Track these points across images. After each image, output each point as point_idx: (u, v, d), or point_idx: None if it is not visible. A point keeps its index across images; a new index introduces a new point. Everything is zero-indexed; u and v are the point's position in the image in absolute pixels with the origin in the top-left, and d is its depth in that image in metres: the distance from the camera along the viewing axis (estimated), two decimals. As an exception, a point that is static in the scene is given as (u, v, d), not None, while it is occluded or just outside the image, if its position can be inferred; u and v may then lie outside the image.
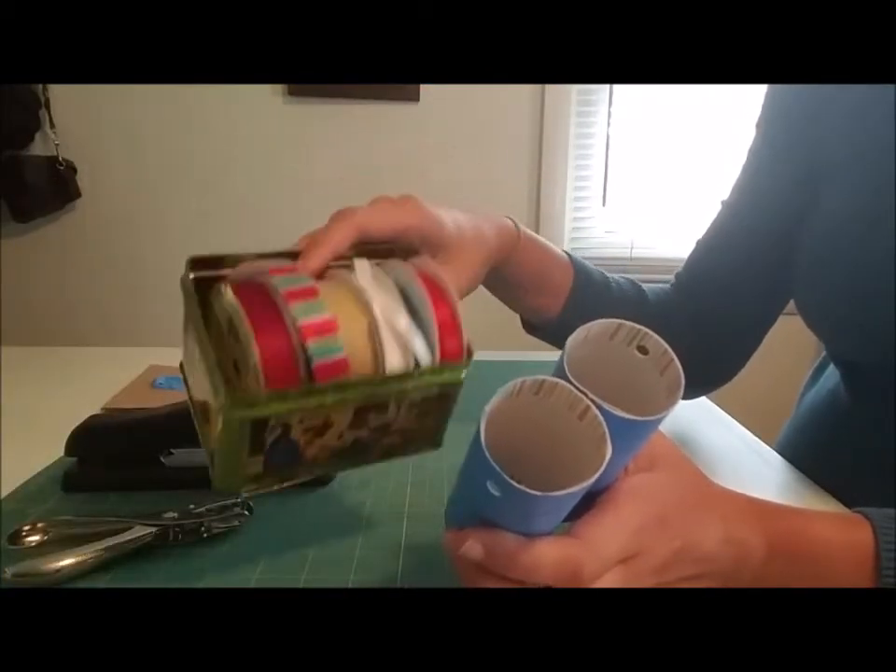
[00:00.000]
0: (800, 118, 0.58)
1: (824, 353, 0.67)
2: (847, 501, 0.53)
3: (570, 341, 0.32)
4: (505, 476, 0.27)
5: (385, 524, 0.49)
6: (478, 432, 0.29)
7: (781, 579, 0.36)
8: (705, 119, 1.84)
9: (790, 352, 1.72)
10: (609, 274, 0.64)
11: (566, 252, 0.62)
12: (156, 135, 1.78)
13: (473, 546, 0.31)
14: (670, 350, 0.32)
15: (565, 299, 0.61)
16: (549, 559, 0.30)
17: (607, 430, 0.29)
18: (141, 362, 0.81)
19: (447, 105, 1.79)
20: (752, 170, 0.63)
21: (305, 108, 1.78)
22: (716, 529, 0.34)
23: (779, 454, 0.64)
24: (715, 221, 0.65)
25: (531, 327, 0.65)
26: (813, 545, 0.36)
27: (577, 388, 0.30)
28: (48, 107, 1.70)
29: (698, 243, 0.66)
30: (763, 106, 0.63)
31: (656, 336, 0.32)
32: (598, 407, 0.30)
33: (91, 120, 1.76)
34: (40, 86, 1.69)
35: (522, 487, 0.27)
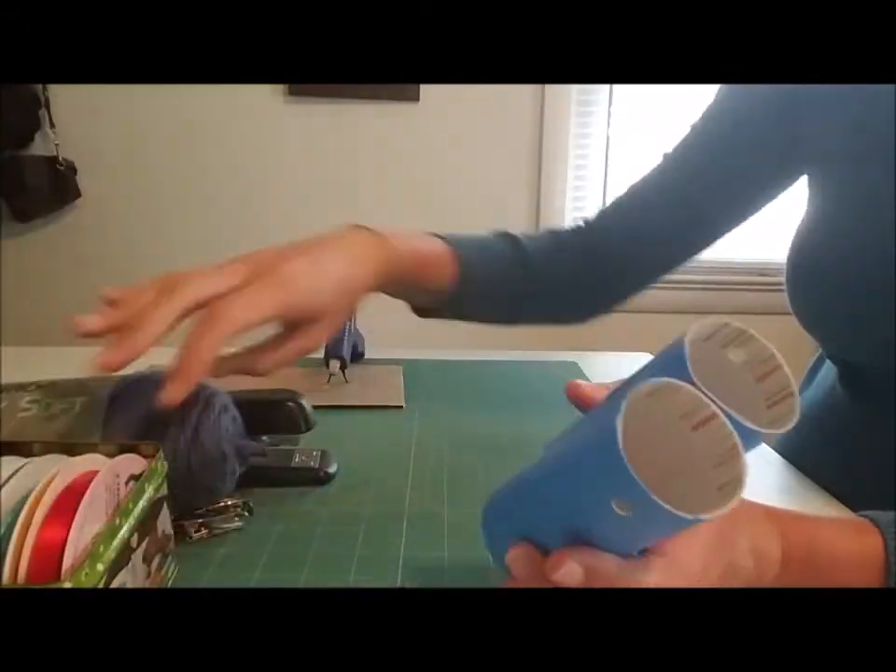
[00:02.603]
0: (777, 95, 0.58)
1: (820, 351, 0.67)
2: (845, 498, 0.53)
3: (690, 341, 0.28)
4: (653, 496, 0.23)
5: (385, 524, 0.49)
6: (606, 439, 0.24)
7: (793, 586, 0.36)
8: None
9: (787, 352, 1.72)
10: (478, 235, 0.66)
11: (434, 234, 0.63)
12: (156, 135, 1.78)
13: (574, 570, 0.29)
14: (777, 354, 0.30)
15: (450, 275, 0.61)
16: (649, 584, 0.29)
17: (739, 442, 0.25)
18: (141, 362, 0.81)
19: (447, 105, 1.79)
20: (704, 130, 0.64)
21: (305, 108, 1.78)
22: (745, 541, 0.34)
23: (778, 452, 0.64)
24: (655, 169, 0.67)
25: (422, 310, 0.66)
26: (824, 552, 0.36)
27: (704, 394, 0.26)
28: (48, 107, 1.70)
29: (628, 189, 0.68)
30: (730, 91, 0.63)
31: (761, 340, 0.30)
32: (728, 416, 0.26)
33: (91, 120, 1.76)
34: (40, 86, 1.69)
35: (672, 509, 0.23)
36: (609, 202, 0.70)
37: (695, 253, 0.67)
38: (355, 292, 0.50)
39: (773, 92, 0.59)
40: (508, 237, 0.67)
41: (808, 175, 0.60)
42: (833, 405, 0.61)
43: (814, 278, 0.55)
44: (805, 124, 0.57)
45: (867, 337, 0.51)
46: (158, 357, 0.83)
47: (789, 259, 0.58)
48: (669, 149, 0.66)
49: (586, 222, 0.70)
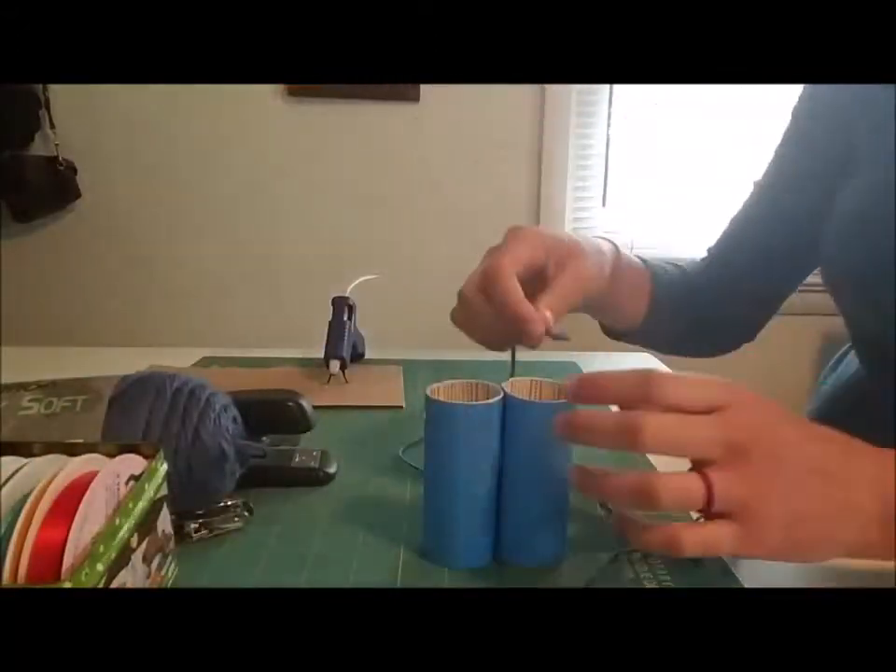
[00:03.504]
0: (830, 104, 0.61)
1: (847, 345, 0.69)
2: None
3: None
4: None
5: (385, 524, 0.49)
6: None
7: None
8: (705, 119, 1.84)
9: (790, 352, 1.72)
10: (661, 265, 0.68)
11: (638, 257, 0.65)
12: (156, 136, 1.78)
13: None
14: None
15: (647, 305, 0.64)
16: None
17: None
18: (141, 362, 0.81)
19: (447, 105, 1.79)
20: (784, 154, 0.66)
21: (305, 108, 1.78)
22: (866, 481, 0.36)
23: None
24: (747, 201, 0.69)
25: (614, 332, 0.69)
26: None
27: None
28: (48, 107, 1.70)
29: (731, 220, 0.70)
30: (800, 96, 0.65)
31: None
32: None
33: (91, 120, 1.76)
34: (40, 86, 1.69)
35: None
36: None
37: (809, 270, 0.68)
38: (598, 253, 0.54)
39: (828, 104, 0.61)
40: (677, 267, 0.70)
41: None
42: (859, 391, 0.63)
43: (845, 255, 0.56)
44: (855, 125, 0.59)
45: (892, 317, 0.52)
46: (158, 357, 0.84)
47: (836, 239, 0.59)
48: (758, 177, 0.69)
49: (709, 251, 0.72)
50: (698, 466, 0.34)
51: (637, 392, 0.34)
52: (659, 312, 0.65)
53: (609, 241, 0.59)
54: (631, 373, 0.35)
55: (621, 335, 0.69)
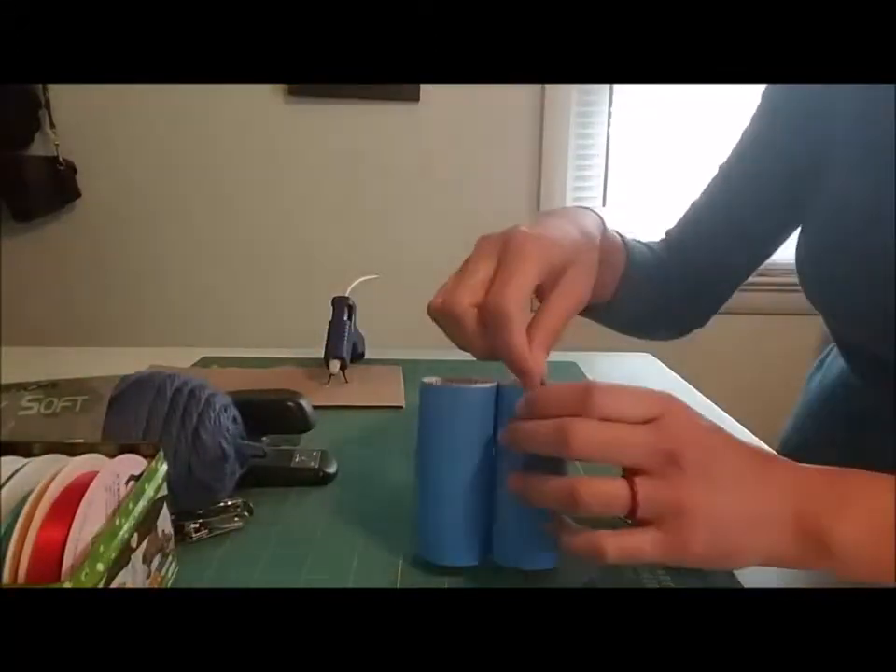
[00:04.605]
0: (807, 96, 0.60)
1: (832, 345, 0.69)
2: None
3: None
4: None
5: (385, 524, 0.49)
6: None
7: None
8: (705, 119, 1.84)
9: (788, 351, 1.72)
10: (636, 244, 0.67)
11: (616, 233, 0.63)
12: (156, 136, 1.78)
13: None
14: None
15: (616, 283, 0.62)
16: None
17: None
18: (141, 362, 0.81)
19: (447, 105, 1.79)
20: (751, 138, 0.65)
21: (305, 108, 1.78)
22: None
23: (786, 440, 0.65)
24: (709, 184, 0.68)
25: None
26: None
27: None
28: (48, 107, 1.70)
29: (693, 203, 0.69)
30: (774, 91, 0.64)
31: None
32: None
33: (91, 120, 1.76)
34: (40, 86, 1.69)
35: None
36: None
37: (759, 263, 0.68)
38: (593, 249, 0.50)
39: (793, 107, 0.60)
40: (647, 246, 0.69)
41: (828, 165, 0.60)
42: (846, 389, 0.62)
43: (823, 263, 0.56)
44: (825, 133, 0.58)
45: (874, 323, 0.52)
46: (158, 357, 0.84)
47: (804, 242, 0.59)
48: (722, 162, 0.68)
49: (668, 233, 0.72)
50: (630, 474, 0.35)
51: (576, 405, 0.36)
52: (627, 290, 0.63)
53: (597, 215, 0.56)
54: (570, 387, 0.37)
55: (584, 311, 0.65)
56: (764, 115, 0.64)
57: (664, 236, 0.72)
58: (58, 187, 1.74)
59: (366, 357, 0.87)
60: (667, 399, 0.37)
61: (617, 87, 1.83)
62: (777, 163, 0.62)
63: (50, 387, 0.46)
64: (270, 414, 0.56)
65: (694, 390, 0.82)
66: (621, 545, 0.34)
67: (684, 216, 0.71)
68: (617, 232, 0.63)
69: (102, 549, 0.32)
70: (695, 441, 0.35)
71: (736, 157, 0.66)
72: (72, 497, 0.32)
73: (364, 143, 1.81)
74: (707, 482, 0.35)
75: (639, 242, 0.68)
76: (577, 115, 1.84)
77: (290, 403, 0.56)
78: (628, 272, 0.63)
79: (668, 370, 0.93)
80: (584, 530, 0.36)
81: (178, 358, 0.85)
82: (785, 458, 0.38)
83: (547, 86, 1.78)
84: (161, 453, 0.39)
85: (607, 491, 0.34)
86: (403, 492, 0.53)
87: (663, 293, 0.68)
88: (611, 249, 0.60)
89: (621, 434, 0.35)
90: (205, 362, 0.87)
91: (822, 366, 0.70)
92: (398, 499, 0.52)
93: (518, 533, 0.42)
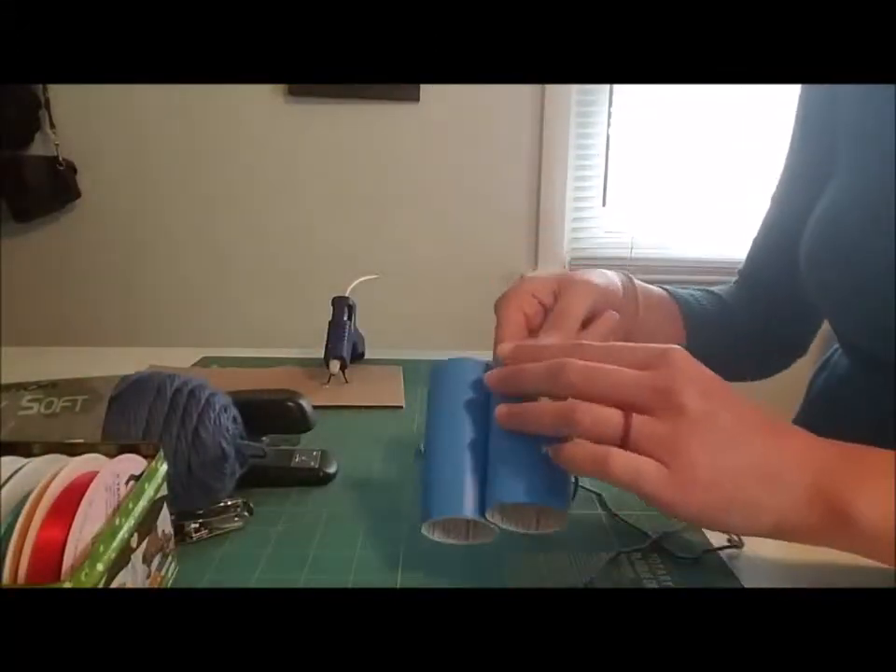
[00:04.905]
0: (817, 107, 0.62)
1: (836, 345, 0.69)
2: None
3: None
4: None
5: (384, 524, 0.49)
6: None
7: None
8: (705, 119, 1.84)
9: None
10: (687, 292, 0.67)
11: (663, 288, 0.65)
12: (156, 135, 1.78)
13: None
14: None
15: (681, 332, 0.64)
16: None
17: None
18: (141, 362, 0.81)
19: (447, 105, 1.79)
20: (787, 164, 0.67)
21: (305, 108, 1.78)
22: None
23: None
24: (765, 216, 0.69)
25: None
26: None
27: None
28: (48, 107, 1.70)
29: (754, 240, 0.71)
30: (798, 104, 0.66)
31: None
32: None
33: (90, 120, 1.76)
34: (40, 86, 1.69)
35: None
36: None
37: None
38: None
39: (815, 108, 0.62)
40: (708, 292, 0.70)
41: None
42: (852, 387, 0.63)
43: (824, 265, 0.56)
44: (836, 128, 0.59)
45: (875, 323, 0.52)
46: (158, 357, 0.84)
47: (810, 240, 0.59)
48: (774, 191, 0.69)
49: (739, 273, 0.72)
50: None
51: (568, 352, 0.38)
52: (696, 338, 0.64)
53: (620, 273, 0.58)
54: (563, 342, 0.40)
55: None
56: (793, 132, 0.65)
57: (737, 277, 0.73)
58: (58, 187, 1.74)
59: (366, 356, 0.87)
60: (669, 348, 0.37)
61: (617, 87, 1.83)
62: (807, 168, 0.63)
63: (50, 387, 0.46)
64: (270, 414, 0.56)
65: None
66: (627, 461, 0.34)
67: (750, 250, 0.72)
68: (661, 286, 0.65)
69: (102, 549, 0.32)
70: (699, 384, 0.35)
71: (781, 176, 0.67)
72: (72, 496, 0.32)
73: (364, 143, 1.81)
74: (711, 427, 0.34)
75: (696, 290, 0.69)
76: (577, 115, 1.84)
77: (290, 403, 0.56)
78: (688, 321, 0.64)
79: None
80: (591, 444, 0.36)
81: (178, 358, 0.85)
82: (801, 428, 0.37)
83: (547, 86, 1.78)
84: (161, 453, 0.39)
85: (601, 412, 0.35)
86: (403, 492, 0.53)
87: (740, 333, 0.69)
88: (657, 298, 0.61)
89: (616, 369, 0.36)
90: (205, 362, 0.87)
91: (828, 365, 0.70)
92: (398, 499, 0.52)
93: (517, 465, 0.40)
